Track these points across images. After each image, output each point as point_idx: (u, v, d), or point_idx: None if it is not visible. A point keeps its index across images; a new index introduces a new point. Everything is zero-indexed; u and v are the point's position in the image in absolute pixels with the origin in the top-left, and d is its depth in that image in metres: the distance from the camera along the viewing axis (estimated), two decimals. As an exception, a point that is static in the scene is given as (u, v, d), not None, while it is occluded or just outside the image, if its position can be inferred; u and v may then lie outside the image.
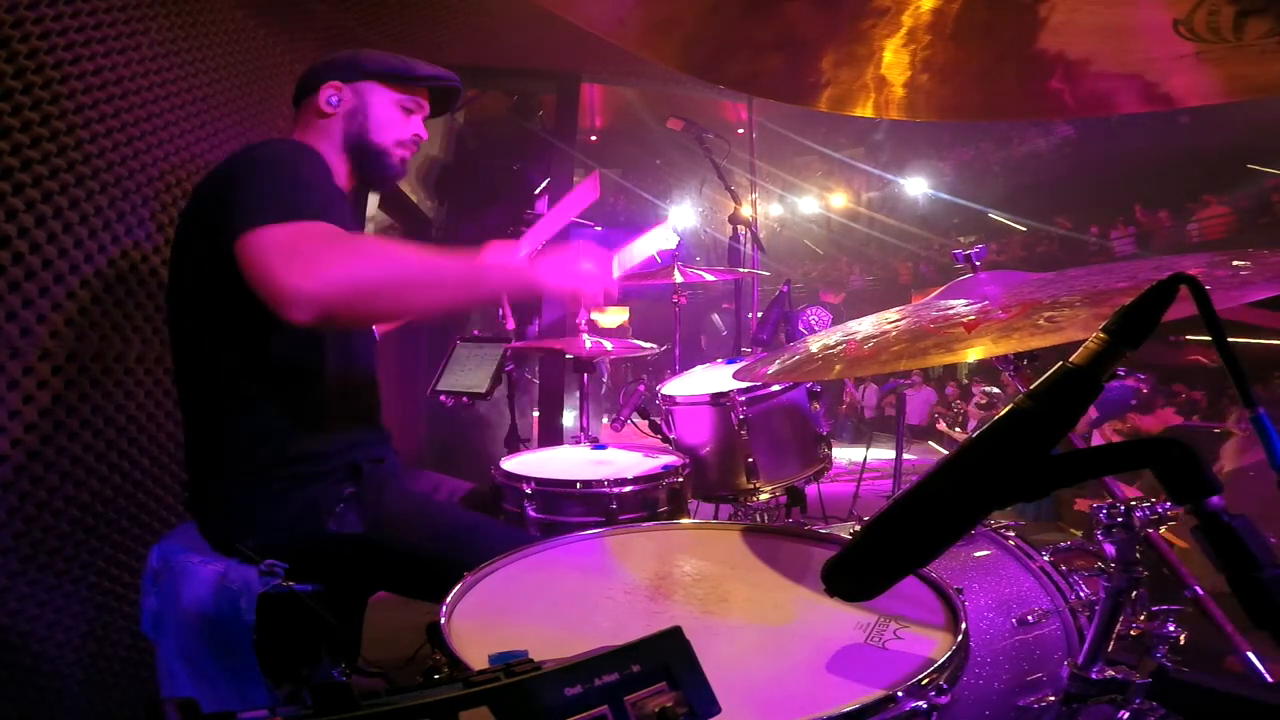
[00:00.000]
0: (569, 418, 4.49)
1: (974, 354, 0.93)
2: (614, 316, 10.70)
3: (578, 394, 2.20)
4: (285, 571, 1.19)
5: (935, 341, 0.97)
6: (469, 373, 2.51)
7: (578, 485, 1.51)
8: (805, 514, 2.23)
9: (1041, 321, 0.88)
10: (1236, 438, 3.21)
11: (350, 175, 1.50)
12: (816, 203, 14.48)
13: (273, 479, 1.28)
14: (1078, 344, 0.60)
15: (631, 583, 0.95)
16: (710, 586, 0.93)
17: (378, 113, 1.47)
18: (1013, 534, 1.30)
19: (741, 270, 3.30)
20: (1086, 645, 0.90)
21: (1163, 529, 0.88)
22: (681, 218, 11.60)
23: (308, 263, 1.08)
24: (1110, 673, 0.88)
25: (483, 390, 2.44)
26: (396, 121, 1.48)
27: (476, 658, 0.70)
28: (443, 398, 2.46)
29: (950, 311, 1.07)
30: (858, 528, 0.88)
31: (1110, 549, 0.86)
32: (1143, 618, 1.02)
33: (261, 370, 1.28)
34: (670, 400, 1.94)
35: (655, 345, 2.40)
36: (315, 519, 1.27)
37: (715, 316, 9.06)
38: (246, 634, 1.17)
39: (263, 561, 1.18)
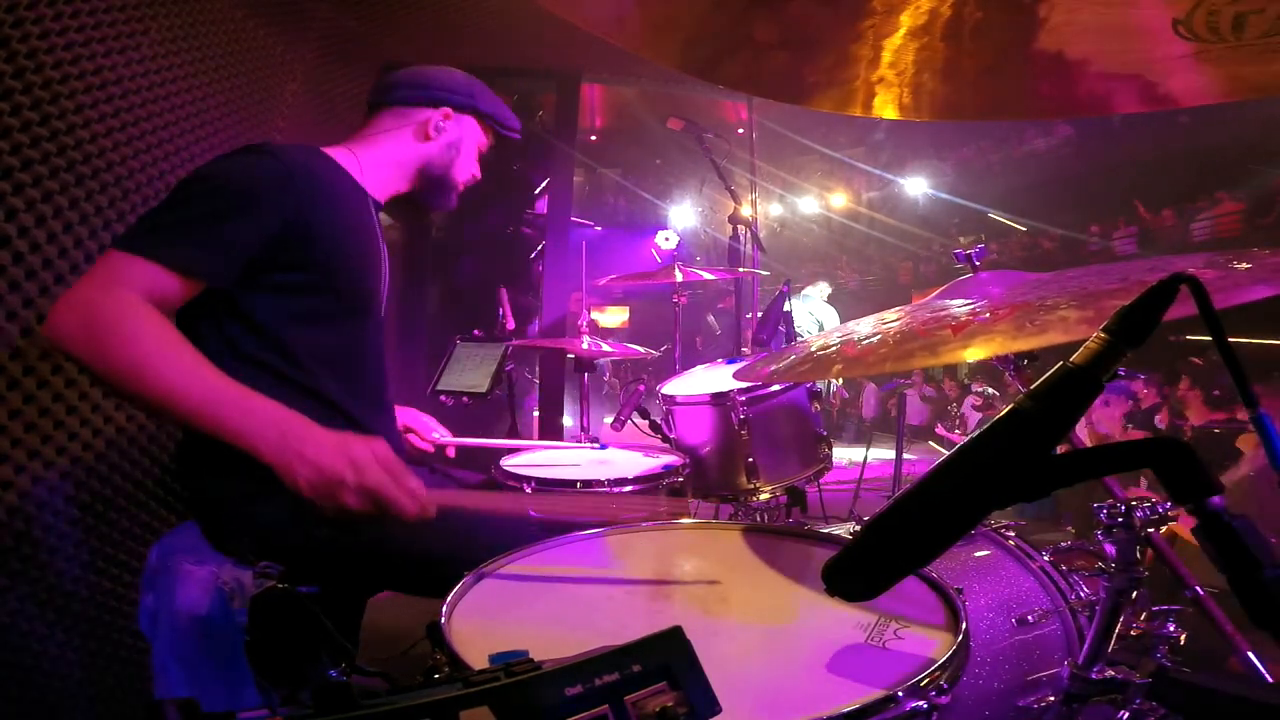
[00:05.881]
0: (569, 418, 4.49)
1: (971, 354, 0.92)
2: (614, 316, 10.71)
3: (578, 394, 2.20)
4: (280, 573, 1.18)
5: (922, 344, 0.97)
6: (469, 372, 2.52)
7: (578, 485, 1.51)
8: (805, 514, 2.24)
9: (1028, 325, 0.88)
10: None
11: (402, 193, 1.51)
12: (816, 203, 14.44)
13: (260, 480, 1.27)
14: (1075, 345, 0.60)
15: (631, 583, 0.95)
16: (710, 586, 0.93)
17: (468, 151, 1.52)
18: (1013, 534, 1.30)
19: (741, 270, 3.31)
20: (1086, 645, 0.90)
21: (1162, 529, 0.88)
22: (681, 218, 11.59)
23: (86, 301, 1.07)
24: (1110, 673, 0.88)
25: (483, 390, 2.44)
26: (473, 162, 1.54)
27: (476, 657, 0.70)
28: (443, 397, 2.47)
29: (945, 312, 1.07)
30: (858, 528, 0.88)
31: (1110, 549, 0.86)
32: (1143, 618, 1.02)
33: (252, 371, 1.27)
34: (670, 400, 1.94)
35: (654, 350, 2.40)
36: (304, 520, 1.26)
37: (710, 317, 8.99)
38: (238, 635, 1.17)
39: (258, 563, 1.18)
